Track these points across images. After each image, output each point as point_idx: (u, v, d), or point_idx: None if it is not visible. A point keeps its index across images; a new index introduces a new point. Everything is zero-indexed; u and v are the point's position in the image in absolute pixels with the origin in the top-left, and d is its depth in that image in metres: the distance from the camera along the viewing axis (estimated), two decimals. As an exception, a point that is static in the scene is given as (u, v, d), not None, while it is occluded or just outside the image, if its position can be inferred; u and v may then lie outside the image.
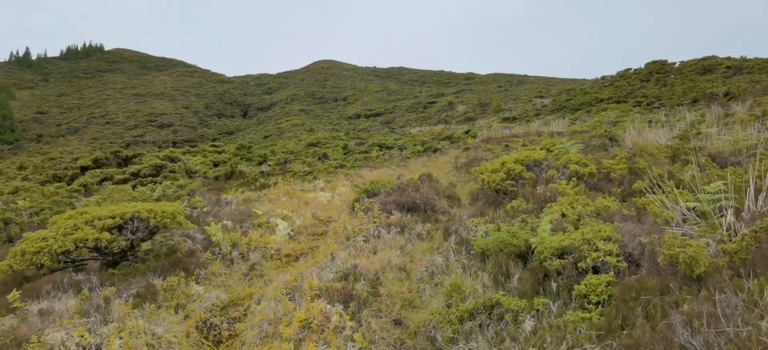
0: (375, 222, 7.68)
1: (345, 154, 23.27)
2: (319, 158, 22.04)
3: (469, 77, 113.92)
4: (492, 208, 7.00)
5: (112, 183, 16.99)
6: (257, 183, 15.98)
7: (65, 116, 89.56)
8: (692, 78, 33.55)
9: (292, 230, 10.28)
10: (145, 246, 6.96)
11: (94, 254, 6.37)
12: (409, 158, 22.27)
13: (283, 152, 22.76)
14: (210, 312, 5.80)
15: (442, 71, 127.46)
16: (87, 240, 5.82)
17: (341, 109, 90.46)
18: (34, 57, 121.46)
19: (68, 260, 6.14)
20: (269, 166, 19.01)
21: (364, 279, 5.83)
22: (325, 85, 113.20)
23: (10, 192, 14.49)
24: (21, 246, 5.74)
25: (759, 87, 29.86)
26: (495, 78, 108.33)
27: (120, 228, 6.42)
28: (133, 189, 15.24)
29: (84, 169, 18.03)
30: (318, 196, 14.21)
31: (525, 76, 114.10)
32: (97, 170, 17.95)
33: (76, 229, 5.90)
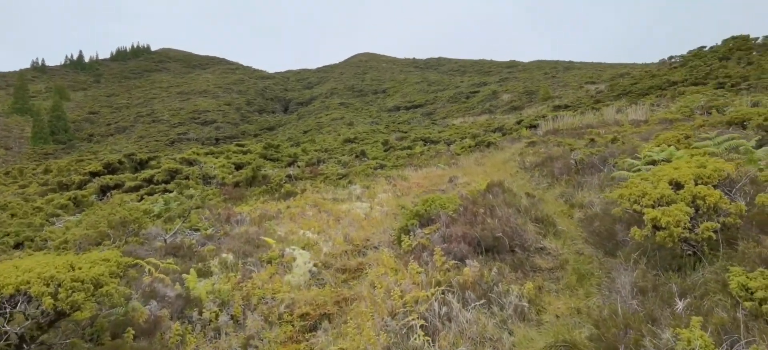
0: (437, 280, 4.54)
1: (385, 150, 20.19)
2: (357, 156, 19.05)
3: (512, 65, 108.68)
4: (674, 276, 3.73)
5: (122, 191, 14.52)
6: (281, 191, 13.12)
7: (114, 116, 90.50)
8: (782, 54, 28.63)
9: (315, 265, 7.27)
10: (51, 335, 4.07)
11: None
12: (458, 154, 18.96)
13: (315, 151, 19.93)
14: None
15: (483, 60, 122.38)
16: None
17: (381, 101, 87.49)
18: (86, 60, 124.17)
19: None
20: (299, 167, 16.21)
21: None
22: (365, 77, 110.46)
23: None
24: None
25: None
26: (539, 65, 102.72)
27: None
28: (141, 201, 12.66)
29: (94, 175, 15.67)
30: (353, 208, 11.18)
31: (571, 62, 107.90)
32: (108, 176, 15.55)
33: None
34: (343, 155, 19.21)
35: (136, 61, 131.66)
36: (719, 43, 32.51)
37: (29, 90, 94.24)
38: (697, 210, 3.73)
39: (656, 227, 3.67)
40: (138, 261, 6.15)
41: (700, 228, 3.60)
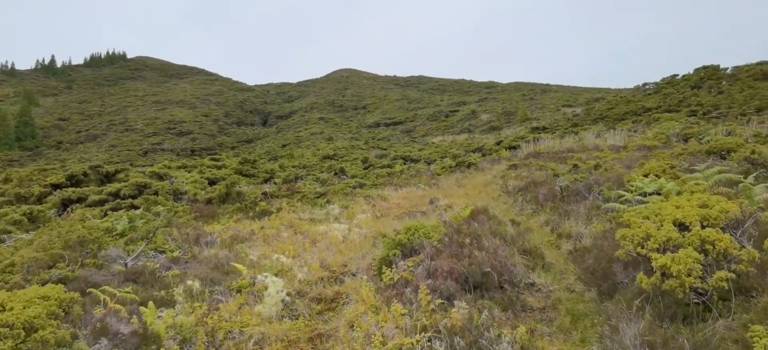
0: (422, 324, 4.11)
1: (365, 168, 19.78)
2: (336, 174, 18.58)
3: (491, 86, 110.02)
4: (683, 329, 3.38)
5: (85, 206, 13.75)
6: (256, 209, 12.56)
7: (86, 123, 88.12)
8: (751, 84, 29.34)
9: (288, 294, 6.76)
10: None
11: None
12: (439, 175, 18.67)
13: (293, 167, 19.38)
14: None
15: (463, 80, 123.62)
16: None
17: (361, 117, 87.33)
18: (58, 65, 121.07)
19: None
20: (276, 184, 15.64)
21: None
22: (345, 93, 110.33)
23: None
24: None
25: (837, 95, 25.64)
26: (517, 87, 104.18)
27: None
28: (105, 217, 11.92)
29: (56, 187, 14.82)
30: (330, 230, 10.70)
31: (547, 84, 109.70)
32: (71, 189, 14.73)
33: None
34: (322, 172, 18.72)
35: (111, 68, 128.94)
36: (691, 71, 33.23)
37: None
38: (705, 255, 3.41)
39: (665, 274, 3.33)
40: (91, 290, 5.56)
41: (712, 279, 3.27)
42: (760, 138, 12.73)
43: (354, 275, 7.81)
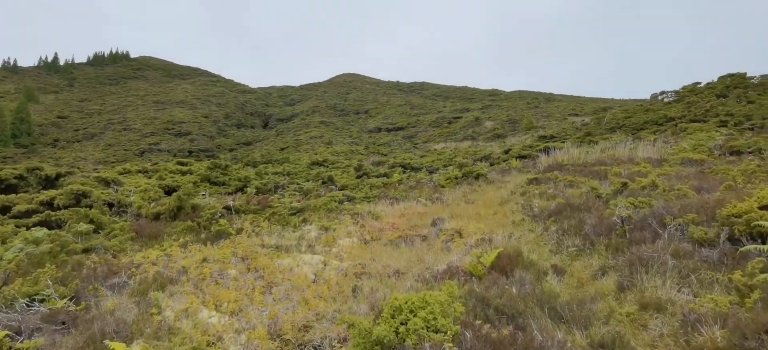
0: None
1: (358, 177, 16.90)
2: (324, 183, 15.71)
3: (494, 93, 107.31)
4: None
5: (9, 217, 10.95)
6: (211, 230, 9.72)
7: (84, 121, 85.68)
8: (783, 94, 26.47)
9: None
10: None
11: None
12: (443, 187, 15.80)
13: (275, 174, 16.53)
14: None
15: (466, 87, 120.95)
16: None
17: (362, 121, 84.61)
18: (61, 63, 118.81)
19: None
20: (246, 194, 12.81)
21: None
22: (348, 97, 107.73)
23: None
24: None
25: None
26: (520, 95, 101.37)
27: None
28: (16, 235, 9.08)
29: (-19, 193, 11.99)
30: (299, 263, 7.84)
31: (551, 94, 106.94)
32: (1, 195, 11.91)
33: None
34: (307, 181, 15.87)
35: (114, 67, 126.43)
36: (715, 79, 30.29)
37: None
38: None
39: None
40: None
41: None
42: None
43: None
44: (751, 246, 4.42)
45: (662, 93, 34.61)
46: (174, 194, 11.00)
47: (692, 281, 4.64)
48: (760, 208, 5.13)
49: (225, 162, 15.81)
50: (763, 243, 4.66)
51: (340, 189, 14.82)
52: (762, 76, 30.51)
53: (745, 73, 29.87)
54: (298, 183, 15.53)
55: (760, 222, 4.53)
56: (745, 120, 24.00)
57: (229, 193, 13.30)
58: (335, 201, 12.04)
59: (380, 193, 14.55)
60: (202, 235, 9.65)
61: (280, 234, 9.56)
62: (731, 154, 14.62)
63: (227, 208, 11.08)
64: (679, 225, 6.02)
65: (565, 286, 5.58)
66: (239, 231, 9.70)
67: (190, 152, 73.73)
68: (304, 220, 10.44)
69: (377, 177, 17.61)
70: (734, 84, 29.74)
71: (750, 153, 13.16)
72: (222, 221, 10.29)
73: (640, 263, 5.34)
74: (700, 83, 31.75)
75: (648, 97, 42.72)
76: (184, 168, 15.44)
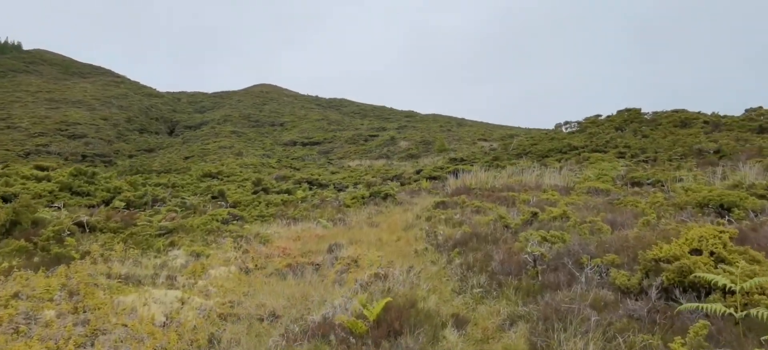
0: None
1: (254, 192, 15.13)
2: (213, 198, 13.80)
3: (410, 115, 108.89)
4: None
5: None
6: (51, 252, 7.65)
7: (-44, 116, 74.76)
8: (672, 131, 28.45)
9: None
10: None
11: None
12: (349, 206, 14.52)
13: (156, 185, 14.34)
14: None
15: (384, 106, 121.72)
16: None
17: (278, 134, 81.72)
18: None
19: None
20: (114, 208, 10.68)
21: None
22: (263, 108, 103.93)
23: None
24: None
25: (749, 146, 24.90)
26: (435, 118, 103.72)
27: None
28: None
29: None
30: (147, 303, 6.13)
31: (463, 119, 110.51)
32: None
33: None
34: (195, 195, 13.88)
35: (2, 58, 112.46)
36: (614, 113, 32.17)
37: None
38: None
39: None
40: None
41: None
42: (750, 188, 9.86)
43: None
44: (690, 305, 3.54)
45: (566, 123, 36.21)
46: (9, 205, 8.69)
47: (620, 346, 3.68)
48: (691, 252, 4.35)
49: (91, 169, 13.32)
50: (700, 297, 3.82)
51: (231, 206, 13.00)
52: (654, 113, 32.79)
53: (640, 109, 31.95)
54: (182, 197, 13.50)
55: (701, 275, 3.68)
56: (640, 152, 25.36)
57: (92, 206, 11.04)
58: (218, 221, 10.29)
59: (278, 212, 12.95)
60: (36, 259, 7.55)
61: (136, 260, 7.69)
62: (633, 184, 14.79)
63: (79, 225, 8.95)
64: (598, 266, 5.17)
65: (466, 340, 4.46)
66: (86, 254, 7.69)
67: (84, 156, 66.64)
68: (173, 243, 8.62)
69: (278, 193, 15.95)
70: (631, 118, 31.66)
71: (650, 184, 13.28)
72: (70, 240, 8.22)
73: (556, 316, 4.34)
74: (600, 115, 33.54)
75: (552, 126, 44.81)
76: (42, 173, 12.67)
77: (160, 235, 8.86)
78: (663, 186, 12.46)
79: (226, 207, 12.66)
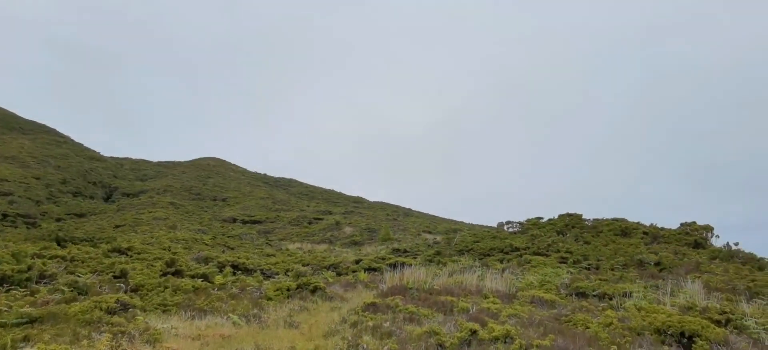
0: None
1: (163, 275, 13.13)
2: (115, 277, 11.71)
3: (358, 201, 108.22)
4: None
5: None
6: None
7: None
8: (613, 239, 28.74)
9: None
10: None
11: None
12: (270, 300, 12.76)
13: (50, 258, 12.15)
14: None
15: (332, 190, 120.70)
16: None
17: (218, 209, 78.12)
18: None
19: None
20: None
21: None
22: (207, 182, 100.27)
23: None
24: None
25: (687, 260, 25.31)
26: (383, 206, 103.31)
27: None
28: None
29: None
30: None
31: (410, 209, 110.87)
32: None
33: None
34: (93, 273, 11.77)
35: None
36: (555, 216, 32.49)
37: None
38: None
39: None
40: None
41: None
42: (702, 312, 9.09)
43: None
44: None
45: (508, 222, 36.21)
46: None
47: None
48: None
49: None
50: None
51: (131, 290, 10.98)
52: (594, 220, 33.27)
53: (581, 215, 32.35)
54: (77, 275, 11.40)
55: None
56: (582, 259, 25.10)
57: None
58: (102, 309, 8.36)
59: (185, 301, 11.04)
60: None
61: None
62: (578, 294, 13.95)
63: None
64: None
65: None
66: None
67: (5, 216, 60.59)
68: (27, 338, 6.67)
69: (193, 277, 13.98)
70: (572, 223, 31.91)
71: (596, 296, 12.47)
72: None
73: None
74: (542, 218, 33.72)
75: (495, 224, 44.92)
76: None
77: (18, 325, 6.90)
78: (611, 299, 11.65)
79: (125, 291, 10.63)
